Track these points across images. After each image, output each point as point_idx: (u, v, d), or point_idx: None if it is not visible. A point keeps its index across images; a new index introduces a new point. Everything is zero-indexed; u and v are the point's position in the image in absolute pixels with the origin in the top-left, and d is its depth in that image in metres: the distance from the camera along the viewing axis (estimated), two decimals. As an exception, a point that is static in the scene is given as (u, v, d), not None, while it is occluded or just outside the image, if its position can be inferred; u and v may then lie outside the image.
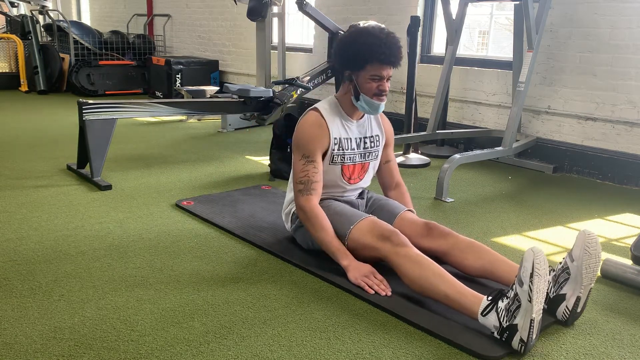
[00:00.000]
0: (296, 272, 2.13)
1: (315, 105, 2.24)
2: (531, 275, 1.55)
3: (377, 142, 2.33)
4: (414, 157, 4.07)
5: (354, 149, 2.25)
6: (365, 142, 2.28)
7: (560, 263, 1.82)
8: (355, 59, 2.09)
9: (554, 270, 1.83)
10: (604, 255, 2.39)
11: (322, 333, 1.71)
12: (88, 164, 3.25)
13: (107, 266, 2.13)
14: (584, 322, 1.84)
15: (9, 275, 2.03)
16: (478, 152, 3.54)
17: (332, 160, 2.21)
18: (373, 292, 1.95)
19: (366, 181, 2.36)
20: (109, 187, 3.13)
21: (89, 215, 2.69)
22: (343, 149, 2.22)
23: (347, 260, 2.06)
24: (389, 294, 1.94)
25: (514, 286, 1.61)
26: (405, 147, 4.13)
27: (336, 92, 2.37)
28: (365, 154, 2.29)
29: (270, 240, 2.39)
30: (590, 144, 3.82)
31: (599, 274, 1.77)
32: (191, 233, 2.50)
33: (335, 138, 2.19)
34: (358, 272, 2.02)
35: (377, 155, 2.35)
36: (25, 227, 2.52)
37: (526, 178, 3.74)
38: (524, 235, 2.65)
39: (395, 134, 4.51)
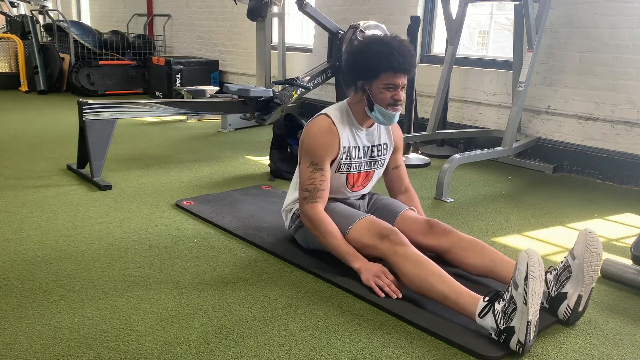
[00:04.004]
0: (296, 272, 2.13)
1: (326, 110, 2.19)
2: (526, 278, 1.55)
3: (385, 151, 2.29)
4: (414, 157, 4.07)
5: (360, 158, 2.21)
6: (372, 151, 2.24)
7: (562, 261, 1.82)
8: (368, 69, 2.04)
9: (555, 269, 1.84)
10: (604, 255, 2.39)
11: (322, 333, 1.71)
12: (88, 164, 3.26)
13: (107, 266, 2.13)
14: (584, 322, 1.84)
15: (9, 275, 2.03)
16: (478, 152, 3.54)
17: (339, 169, 2.18)
18: (384, 295, 1.91)
19: (368, 188, 2.35)
20: (109, 187, 3.13)
21: (89, 215, 2.69)
22: (350, 158, 2.18)
23: (358, 263, 2.02)
24: (400, 296, 1.91)
25: (510, 288, 1.62)
26: (405, 147, 4.13)
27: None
28: (371, 162, 2.25)
29: (270, 240, 2.39)
30: (590, 144, 3.82)
31: (599, 274, 1.78)
32: (191, 233, 2.50)
33: (344, 147, 2.14)
34: (370, 272, 1.99)
35: (382, 164, 2.31)
36: (25, 227, 2.52)
37: (526, 178, 3.74)
38: (524, 235, 2.65)
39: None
